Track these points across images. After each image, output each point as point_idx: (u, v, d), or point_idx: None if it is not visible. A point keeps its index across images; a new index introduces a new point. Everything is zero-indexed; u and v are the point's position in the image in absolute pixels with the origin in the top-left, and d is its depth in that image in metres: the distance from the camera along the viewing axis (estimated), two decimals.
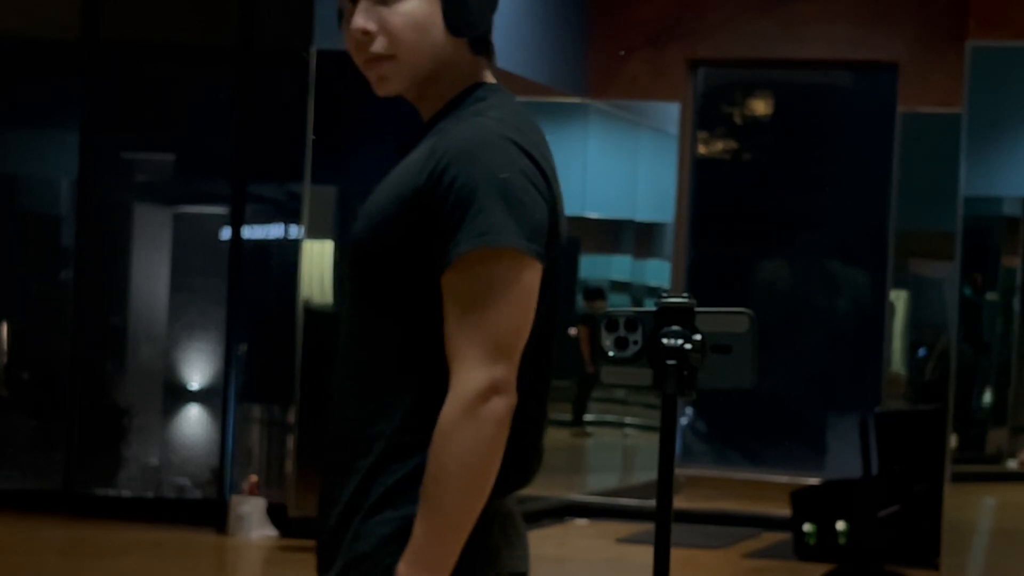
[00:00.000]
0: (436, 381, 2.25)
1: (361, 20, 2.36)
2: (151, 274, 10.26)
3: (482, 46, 2.40)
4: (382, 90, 2.39)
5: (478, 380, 2.20)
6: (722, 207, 12.42)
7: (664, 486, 1.97)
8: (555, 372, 2.42)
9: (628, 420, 11.76)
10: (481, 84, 2.39)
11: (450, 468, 2.20)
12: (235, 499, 9.26)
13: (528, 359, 2.29)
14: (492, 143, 2.24)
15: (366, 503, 2.29)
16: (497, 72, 2.45)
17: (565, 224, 2.36)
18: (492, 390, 2.20)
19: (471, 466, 2.20)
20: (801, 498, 8.79)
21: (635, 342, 2.03)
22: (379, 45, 2.35)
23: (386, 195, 2.31)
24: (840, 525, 8.50)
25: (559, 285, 2.36)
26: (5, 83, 10.19)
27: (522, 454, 2.32)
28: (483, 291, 2.21)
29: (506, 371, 2.21)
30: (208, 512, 9.50)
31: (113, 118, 10.20)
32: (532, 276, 2.23)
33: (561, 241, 2.33)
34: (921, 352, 10.86)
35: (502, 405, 2.20)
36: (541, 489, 2.55)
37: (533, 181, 2.25)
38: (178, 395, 10.11)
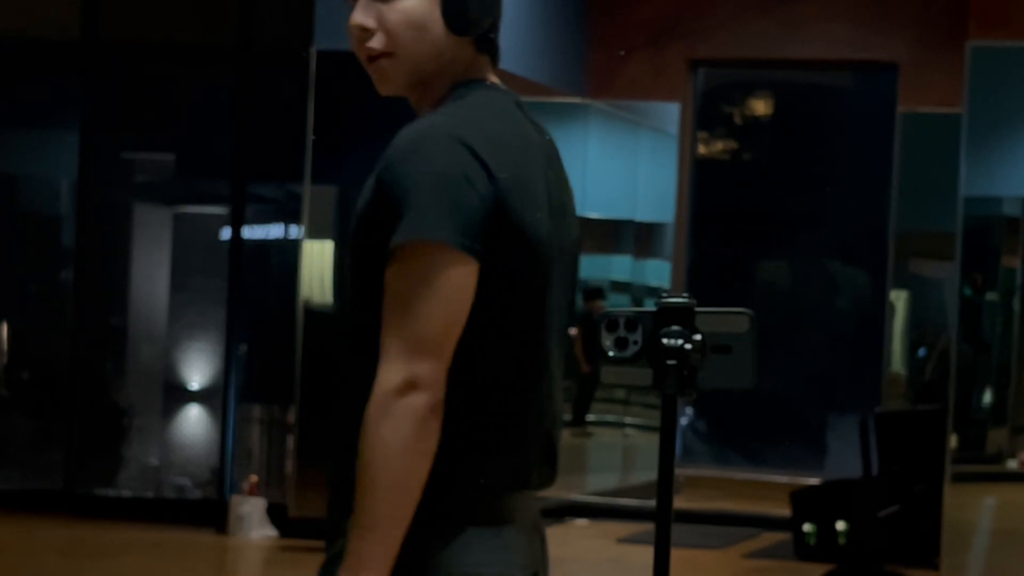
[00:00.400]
0: None
1: (359, 16, 2.37)
2: (151, 274, 10.26)
3: (486, 44, 2.40)
4: (384, 88, 2.39)
5: (396, 376, 2.19)
6: (722, 207, 12.42)
7: (664, 486, 1.97)
8: None
9: (628, 420, 11.76)
10: (468, 81, 2.38)
11: (370, 466, 2.18)
12: (235, 499, 9.26)
13: (504, 357, 2.28)
14: (430, 139, 2.24)
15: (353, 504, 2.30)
16: (498, 71, 2.45)
17: (544, 223, 2.32)
18: (410, 386, 2.18)
19: (388, 464, 2.18)
20: (801, 498, 8.79)
21: (635, 342, 2.03)
22: (376, 42, 2.36)
23: (361, 196, 2.33)
24: (840, 525, 8.50)
25: (546, 283, 2.33)
26: (5, 83, 10.20)
27: (507, 454, 2.30)
28: (409, 286, 2.21)
29: (428, 367, 2.19)
30: (208, 512, 9.50)
31: (113, 118, 10.21)
32: (462, 271, 2.21)
33: (533, 239, 2.29)
34: (921, 352, 10.86)
35: (421, 401, 2.18)
36: None
37: (470, 177, 2.23)
38: (178, 395, 10.11)
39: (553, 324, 2.36)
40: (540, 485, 2.38)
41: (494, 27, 2.40)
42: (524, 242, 2.28)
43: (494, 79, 2.41)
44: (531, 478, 2.35)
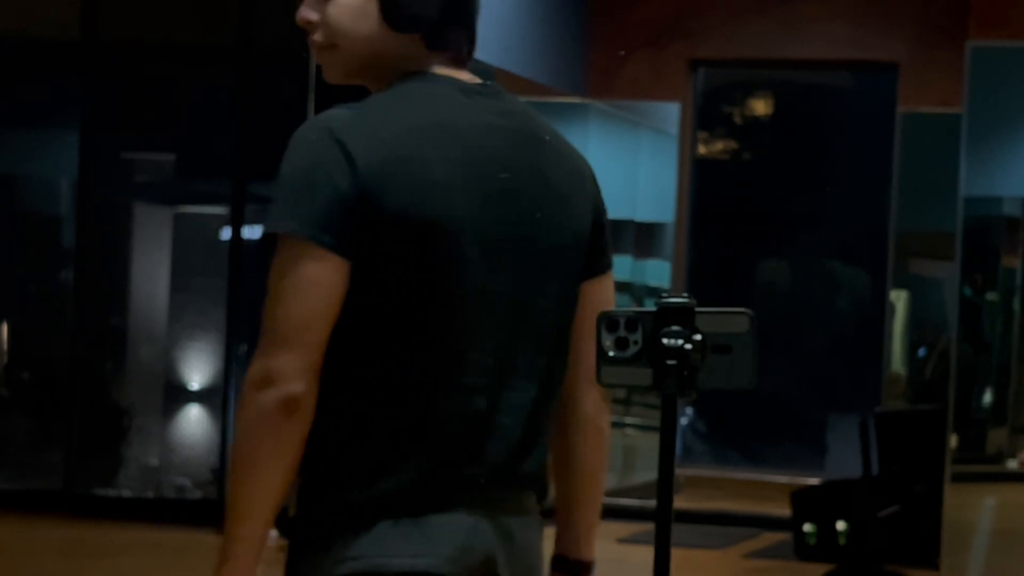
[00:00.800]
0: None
1: (304, 11, 2.46)
2: (151, 274, 10.26)
3: (435, 42, 2.41)
4: (328, 77, 2.48)
5: (253, 370, 2.23)
6: (722, 207, 12.42)
7: (664, 486, 1.97)
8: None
9: (628, 420, 11.76)
10: (406, 74, 2.41)
11: (230, 459, 2.26)
12: None
13: (398, 350, 2.27)
14: (302, 133, 2.32)
15: None
16: (449, 66, 2.45)
17: (446, 211, 2.29)
18: (265, 381, 2.21)
19: (237, 455, 2.25)
20: (801, 498, 8.80)
21: (635, 342, 2.02)
22: (319, 35, 2.45)
23: None
24: (840, 525, 8.50)
25: (457, 273, 2.30)
26: (5, 83, 10.19)
27: (414, 449, 2.28)
28: (270, 280, 2.26)
29: (282, 361, 2.21)
30: (208, 512, 9.49)
31: (113, 118, 10.21)
32: (313, 263, 2.23)
33: (425, 229, 2.27)
34: (921, 352, 10.86)
35: (271, 396, 2.21)
36: None
37: (328, 168, 2.26)
38: (178, 395, 10.11)
39: (481, 317, 2.31)
40: (480, 483, 2.33)
41: (448, 24, 2.40)
42: (411, 232, 2.27)
43: (445, 72, 2.41)
44: (452, 475, 2.30)
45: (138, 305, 10.27)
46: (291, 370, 2.22)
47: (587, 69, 11.80)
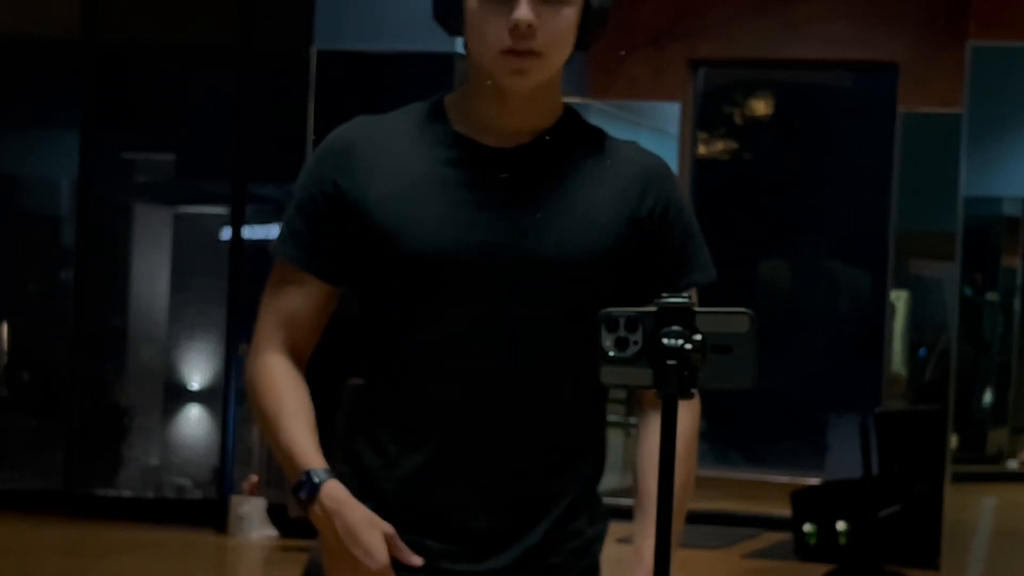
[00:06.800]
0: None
1: (528, 13, 2.36)
2: (151, 274, 10.26)
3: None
4: (520, 85, 2.41)
5: None
6: (722, 207, 12.42)
7: (664, 486, 1.97)
8: None
9: (629, 420, 11.76)
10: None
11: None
12: (235, 499, 9.26)
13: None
14: None
15: None
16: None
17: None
18: None
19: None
20: (801, 498, 8.80)
21: (635, 342, 2.02)
22: (538, 42, 2.38)
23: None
24: (840, 525, 8.50)
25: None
26: (5, 83, 10.20)
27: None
28: None
29: None
30: (208, 512, 9.50)
31: (113, 118, 10.21)
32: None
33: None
34: (921, 352, 10.86)
35: None
36: None
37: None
38: (178, 395, 10.11)
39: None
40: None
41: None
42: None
43: None
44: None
45: (138, 305, 10.27)
46: None
47: (587, 69, 11.80)
